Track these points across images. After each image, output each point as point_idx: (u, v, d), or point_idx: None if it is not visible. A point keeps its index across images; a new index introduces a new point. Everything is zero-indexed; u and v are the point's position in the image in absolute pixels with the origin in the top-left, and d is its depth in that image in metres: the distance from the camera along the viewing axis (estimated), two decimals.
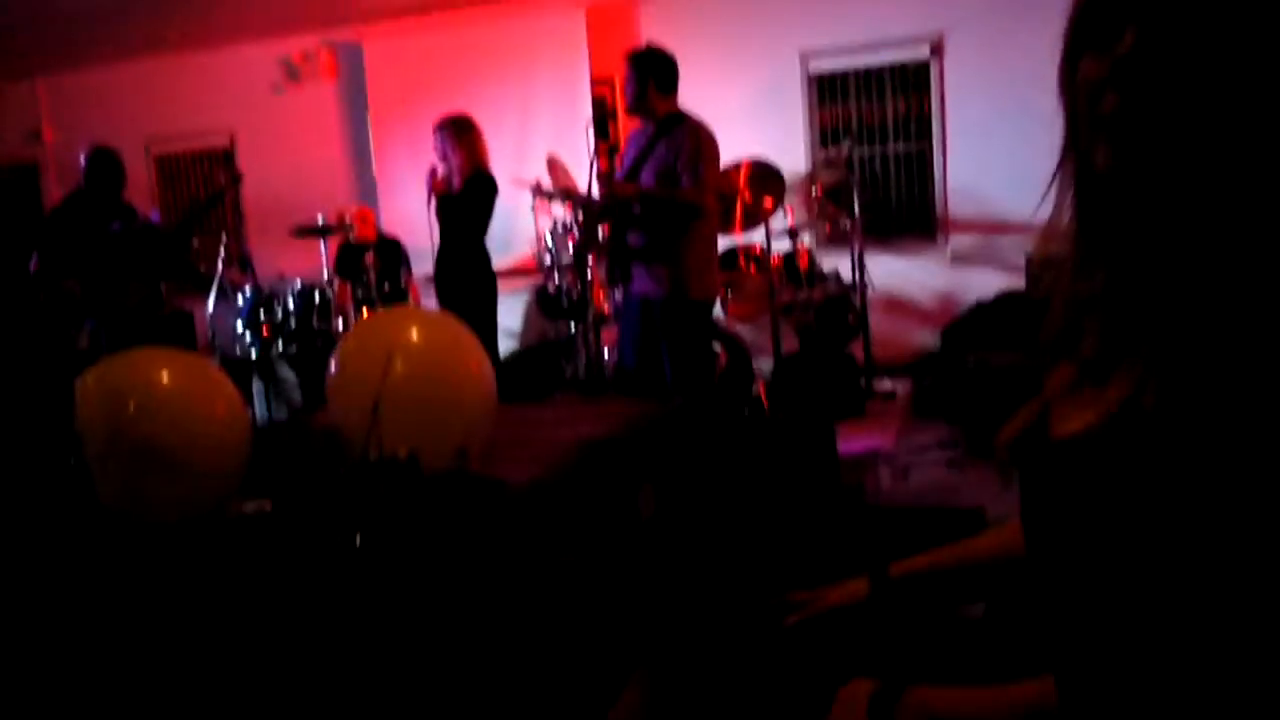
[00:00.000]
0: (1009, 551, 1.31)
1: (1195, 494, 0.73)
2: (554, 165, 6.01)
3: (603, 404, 3.55)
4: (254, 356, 6.16)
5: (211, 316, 5.89)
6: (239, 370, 6.22)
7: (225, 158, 8.70)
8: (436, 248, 5.83)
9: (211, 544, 1.73)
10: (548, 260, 6.36)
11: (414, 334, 1.83)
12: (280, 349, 6.23)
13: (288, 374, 6.10)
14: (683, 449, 2.34)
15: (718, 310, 6.22)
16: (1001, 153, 6.84)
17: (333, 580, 1.43)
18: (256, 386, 6.07)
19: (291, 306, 6.18)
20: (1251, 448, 0.71)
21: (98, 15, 7.04)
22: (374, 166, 8.15)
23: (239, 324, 6.32)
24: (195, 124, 8.63)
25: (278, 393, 5.94)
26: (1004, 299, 6.49)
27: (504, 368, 6.39)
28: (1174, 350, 0.77)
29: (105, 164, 5.57)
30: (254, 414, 5.88)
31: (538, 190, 6.01)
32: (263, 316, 6.20)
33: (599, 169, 4.12)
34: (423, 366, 1.75)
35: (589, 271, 4.93)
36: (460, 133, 5.74)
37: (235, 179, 5.65)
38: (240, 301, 6.33)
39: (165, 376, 1.80)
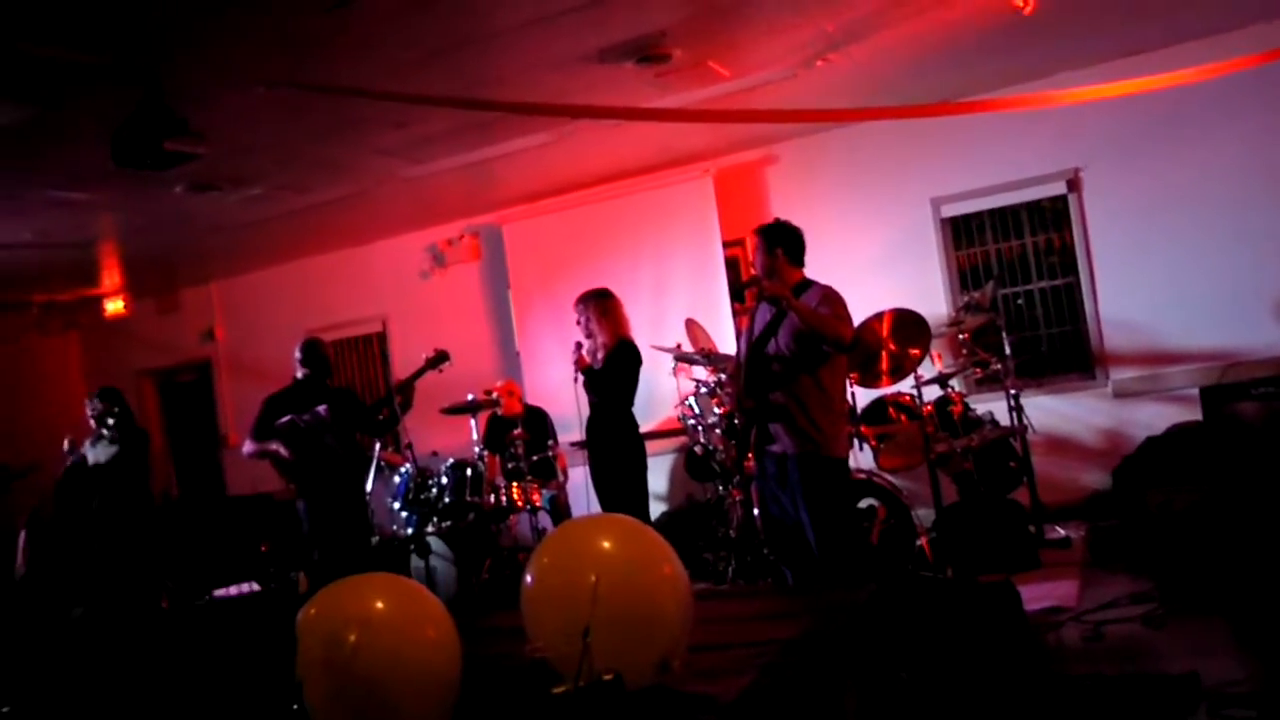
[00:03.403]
0: None
1: None
2: (693, 328, 6.09)
3: (791, 595, 3.43)
4: (411, 534, 6.30)
5: (369, 496, 6.08)
6: (398, 550, 6.36)
7: (379, 341, 9.16)
8: (586, 418, 5.92)
9: None
10: (692, 422, 6.36)
11: (608, 545, 1.81)
12: (436, 525, 6.36)
13: (442, 550, 6.18)
14: (879, 639, 2.21)
15: (871, 463, 6.06)
16: (1153, 282, 6.60)
17: None
18: (415, 564, 6.16)
19: (445, 483, 6.34)
20: None
21: (270, 225, 7.66)
22: (517, 340, 8.42)
23: (396, 503, 6.50)
24: (350, 313, 9.15)
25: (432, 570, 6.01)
26: (1177, 432, 6.12)
27: (656, 530, 6.32)
28: None
29: (313, 353, 6.04)
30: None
31: (679, 354, 6.07)
32: (418, 495, 6.37)
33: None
34: (623, 583, 1.72)
35: (740, 432, 4.88)
36: (601, 305, 5.89)
37: (442, 356, 5.93)
38: (397, 481, 6.53)
39: (380, 604, 1.83)
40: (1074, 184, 6.87)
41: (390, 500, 6.55)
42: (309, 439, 5.76)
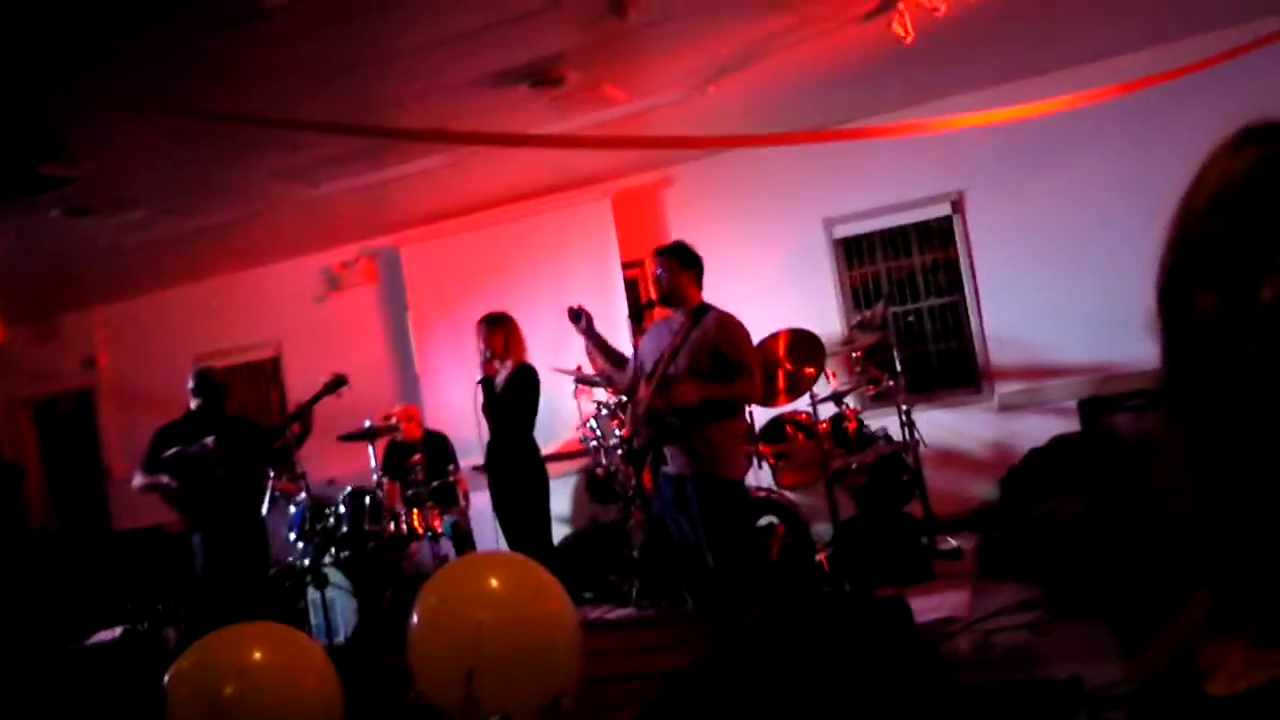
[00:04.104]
0: None
1: None
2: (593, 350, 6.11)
3: (680, 623, 3.45)
4: (308, 565, 6.14)
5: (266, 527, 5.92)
6: (294, 582, 6.19)
7: (274, 366, 8.93)
8: (487, 441, 5.88)
9: None
10: (594, 444, 6.37)
11: (495, 584, 1.79)
12: (334, 555, 6.21)
13: (341, 581, 6.04)
14: (771, 661, 2.25)
15: (770, 481, 6.16)
16: (1033, 299, 6.87)
17: None
18: (312, 597, 6.01)
19: (342, 512, 6.20)
20: None
21: (157, 248, 7.40)
22: (416, 364, 8.31)
23: (292, 534, 6.34)
24: (242, 338, 8.90)
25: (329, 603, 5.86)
26: (1058, 443, 6.38)
27: (560, 554, 6.30)
28: None
29: (205, 383, 5.85)
30: (309, 628, 5.80)
31: (580, 377, 6.07)
32: (315, 524, 6.22)
33: (656, 377, 4.22)
34: (510, 623, 1.70)
35: (637, 454, 4.92)
36: (500, 329, 5.87)
37: (339, 380, 5.78)
38: (292, 510, 6.37)
39: (259, 655, 1.78)
40: (958, 205, 7.12)
41: (286, 531, 6.39)
42: (197, 471, 5.59)
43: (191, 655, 1.78)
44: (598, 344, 4.69)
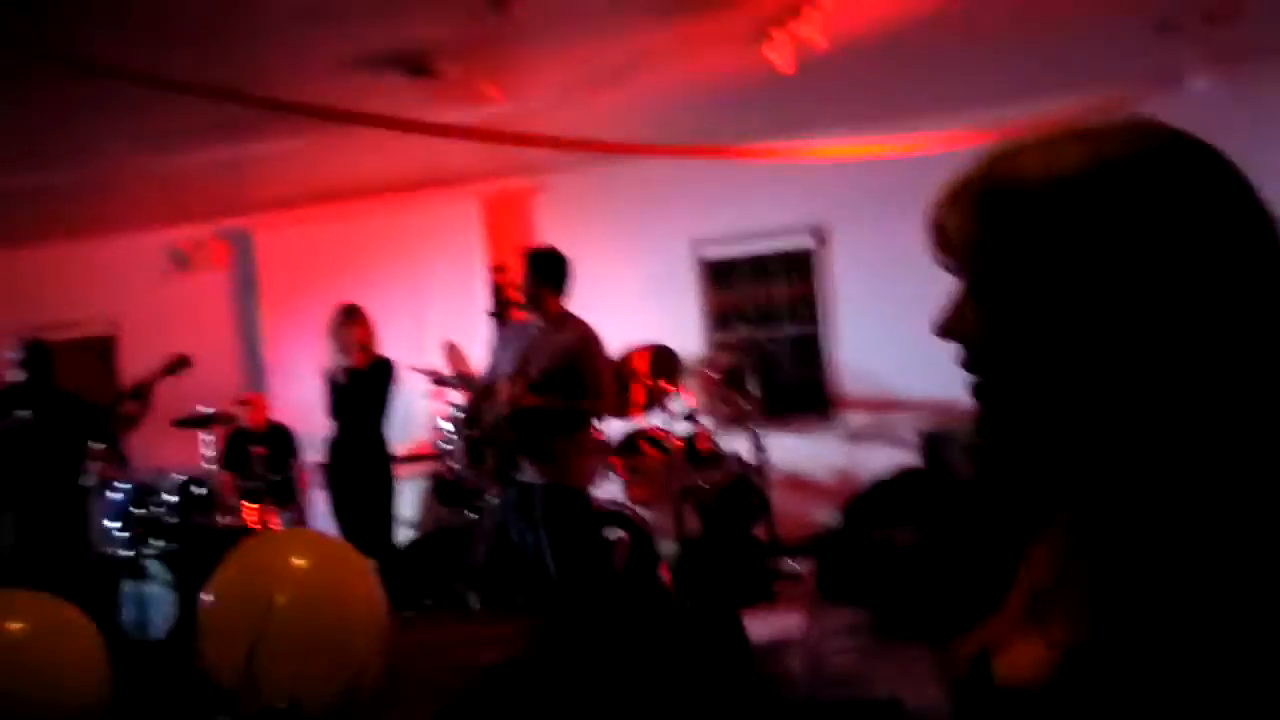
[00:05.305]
0: None
1: None
2: (451, 351, 5.98)
3: (503, 620, 3.39)
4: (126, 556, 5.79)
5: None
6: (110, 571, 5.81)
7: (107, 344, 8.41)
8: (336, 436, 5.67)
9: None
10: (447, 446, 6.23)
11: (296, 561, 1.69)
12: (156, 547, 5.87)
13: (163, 574, 5.71)
14: (592, 662, 2.22)
15: (620, 494, 6.15)
16: (889, 333, 7.09)
17: None
18: (128, 589, 5.65)
19: (171, 501, 5.87)
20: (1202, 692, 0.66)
21: None
22: (264, 353, 7.98)
23: (112, 521, 5.96)
24: (73, 312, 8.34)
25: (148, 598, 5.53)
26: (901, 475, 6.59)
27: (402, 558, 6.13)
28: (1112, 586, 0.73)
29: (38, 356, 5.47)
30: (122, 621, 5.45)
31: (436, 377, 5.95)
32: (139, 513, 5.87)
33: (516, 378, 4.17)
34: (304, 601, 1.60)
35: (487, 460, 4.83)
36: (356, 321, 5.70)
37: (182, 361, 5.46)
38: (115, 496, 5.99)
39: (17, 626, 1.62)
40: (822, 238, 7.31)
41: (106, 517, 6.00)
42: (9, 447, 5.21)
43: None
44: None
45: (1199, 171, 0.76)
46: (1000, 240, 0.78)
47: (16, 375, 5.45)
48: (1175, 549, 0.71)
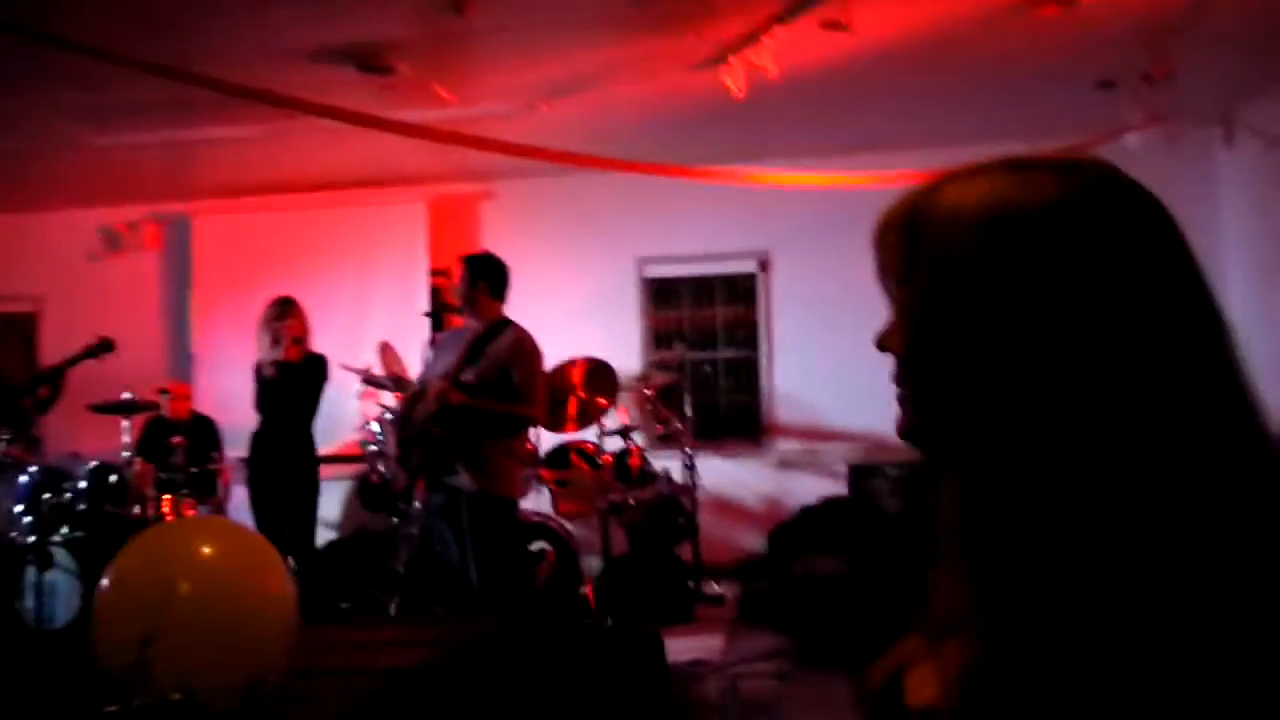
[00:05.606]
0: None
1: None
2: (386, 352, 5.91)
3: (419, 625, 3.33)
4: (30, 542, 5.58)
5: None
6: (12, 557, 5.61)
7: (28, 322, 8.14)
8: (262, 431, 5.55)
9: None
10: (374, 448, 6.13)
11: (203, 549, 1.63)
12: (64, 534, 5.67)
13: (68, 563, 5.52)
14: (505, 671, 2.18)
15: (548, 506, 6.11)
16: (824, 364, 7.18)
17: None
18: (30, 577, 5.45)
19: (81, 488, 5.69)
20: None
21: None
22: (192, 342, 7.79)
23: (18, 506, 5.75)
24: None
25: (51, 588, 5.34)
26: (828, 504, 6.64)
27: (321, 560, 6.02)
28: (1003, 605, 0.74)
29: None
30: (21, 609, 5.26)
31: (368, 377, 5.86)
32: (47, 499, 5.67)
33: (448, 379, 4.12)
34: (208, 590, 1.55)
35: (414, 462, 4.77)
36: (291, 314, 5.60)
37: (105, 344, 5.24)
38: (22, 480, 5.78)
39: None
40: (765, 264, 7.38)
41: (13, 501, 5.79)
42: None
43: None
44: None
45: (1130, 204, 0.79)
46: (927, 264, 0.82)
47: None
48: (1067, 567, 0.72)
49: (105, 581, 1.53)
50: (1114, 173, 0.81)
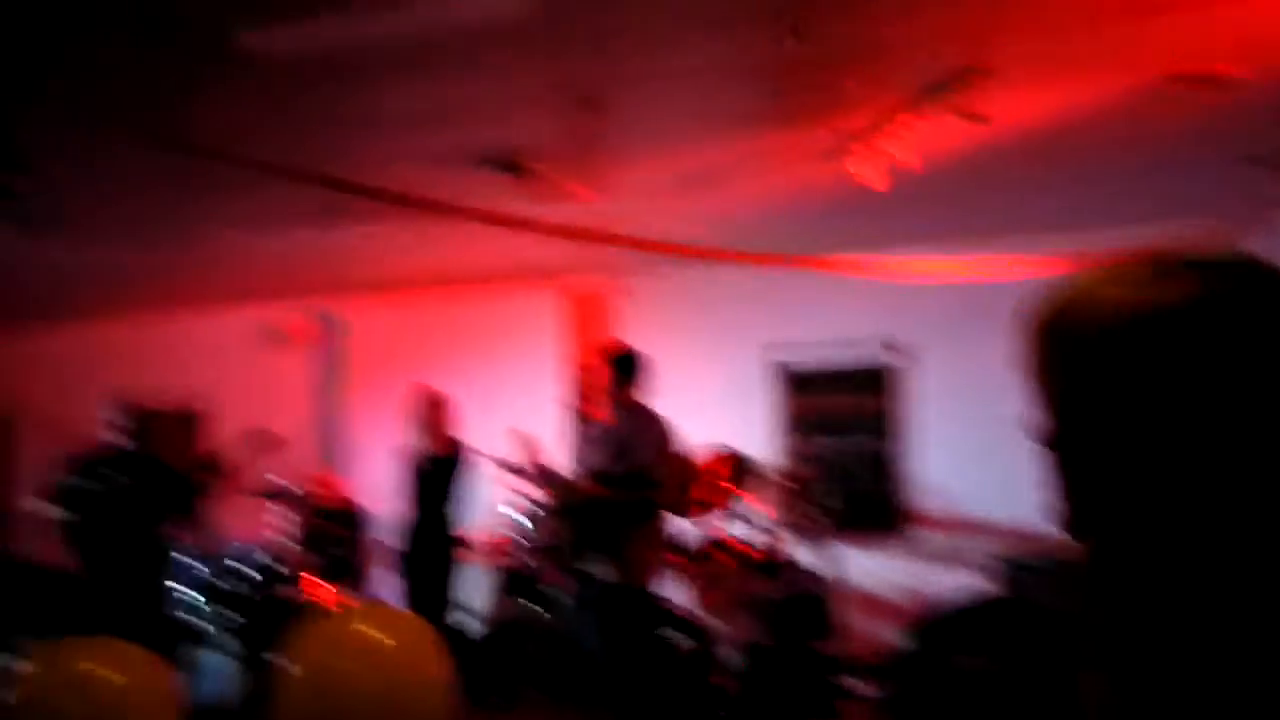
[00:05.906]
0: None
1: None
2: (526, 443, 6.03)
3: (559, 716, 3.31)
4: (192, 621, 5.87)
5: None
6: (174, 636, 5.89)
7: (195, 417, 8.66)
8: (412, 520, 5.75)
9: None
10: (519, 539, 6.23)
11: (381, 638, 1.69)
12: (230, 618, 5.93)
13: (229, 643, 5.77)
14: None
15: (687, 597, 6.04)
16: (965, 455, 6.96)
17: None
18: (188, 655, 5.71)
19: (245, 573, 5.97)
20: None
21: (83, 276, 7.22)
22: (346, 432, 8.14)
23: (183, 586, 6.06)
24: (166, 382, 8.62)
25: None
26: (978, 601, 6.36)
27: (473, 651, 6.09)
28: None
29: (144, 427, 5.67)
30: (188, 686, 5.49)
31: (510, 468, 6.00)
32: (212, 581, 5.97)
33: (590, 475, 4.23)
34: (387, 678, 1.60)
35: (562, 555, 4.83)
36: (442, 406, 5.82)
37: (267, 437, 5.61)
38: (188, 561, 6.10)
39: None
40: (900, 353, 7.25)
41: (185, 584, 6.11)
42: (105, 510, 5.36)
43: None
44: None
45: (1271, 298, 0.79)
46: (1075, 363, 0.85)
47: (123, 441, 5.58)
48: (1224, 684, 0.71)
49: (288, 665, 1.60)
50: (1254, 267, 0.81)
